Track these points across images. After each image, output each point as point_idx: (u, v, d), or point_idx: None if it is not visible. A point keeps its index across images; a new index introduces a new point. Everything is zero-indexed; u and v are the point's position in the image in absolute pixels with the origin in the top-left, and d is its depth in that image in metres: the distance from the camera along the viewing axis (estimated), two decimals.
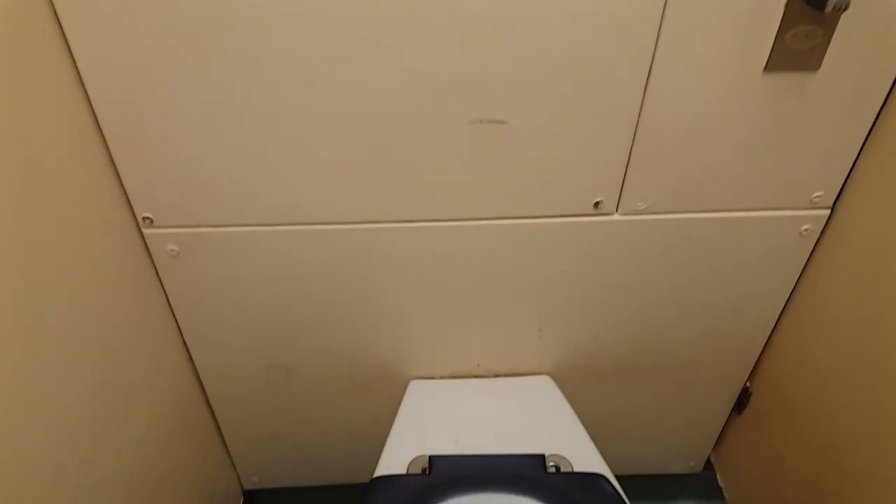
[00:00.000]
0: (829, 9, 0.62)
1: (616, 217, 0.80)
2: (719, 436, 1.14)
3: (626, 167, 0.75)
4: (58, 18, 0.61)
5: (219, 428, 1.04)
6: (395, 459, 0.82)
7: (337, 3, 0.62)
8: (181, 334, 0.90)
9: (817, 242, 0.85)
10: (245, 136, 0.70)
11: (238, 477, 1.14)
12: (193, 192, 0.74)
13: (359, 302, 0.87)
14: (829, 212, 0.82)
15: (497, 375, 0.97)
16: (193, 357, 0.93)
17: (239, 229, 0.78)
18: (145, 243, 0.79)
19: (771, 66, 0.69)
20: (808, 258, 0.87)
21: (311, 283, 0.84)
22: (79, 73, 0.65)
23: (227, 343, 0.91)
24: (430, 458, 0.81)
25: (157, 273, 0.82)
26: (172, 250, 0.80)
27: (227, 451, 1.09)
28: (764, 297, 0.92)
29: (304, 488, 1.17)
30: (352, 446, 1.08)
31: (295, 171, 0.73)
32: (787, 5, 0.65)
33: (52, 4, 0.61)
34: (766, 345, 0.98)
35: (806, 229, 0.84)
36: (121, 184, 0.73)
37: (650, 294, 0.90)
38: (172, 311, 0.87)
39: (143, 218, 0.77)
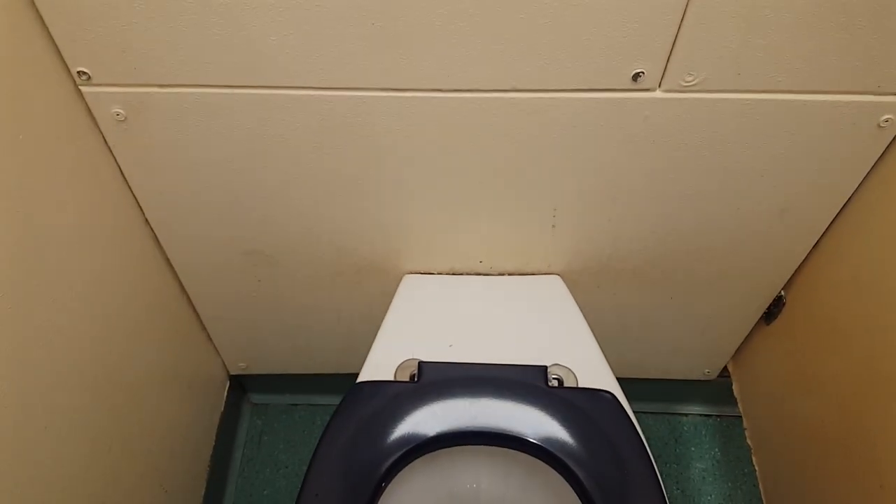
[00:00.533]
0: None
1: (658, 94, 0.65)
2: (741, 344, 1.05)
3: (678, 29, 0.59)
4: None
5: (198, 314, 0.96)
6: (381, 363, 0.73)
7: None
8: (142, 211, 0.78)
9: None
10: None
11: (223, 362, 1.08)
12: (135, 40, 0.60)
13: (343, 183, 0.74)
14: None
15: (501, 274, 0.86)
16: (160, 239, 0.82)
17: (196, 90, 0.64)
18: (87, 105, 0.66)
19: None
20: (882, 155, 0.73)
21: (287, 159, 0.71)
22: None
23: (194, 226, 0.80)
24: (420, 363, 0.72)
25: (105, 143, 0.70)
26: (118, 113, 0.66)
27: (209, 338, 1.02)
28: (819, 198, 0.78)
29: (292, 375, 1.11)
30: (341, 339, 1.00)
31: (264, 17, 0.58)
32: None
33: None
34: (810, 252, 0.86)
35: (886, 120, 0.68)
36: (46, 28, 0.59)
37: (684, 187, 0.76)
38: (129, 187, 0.75)
39: (79, 72, 0.63)
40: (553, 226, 0.80)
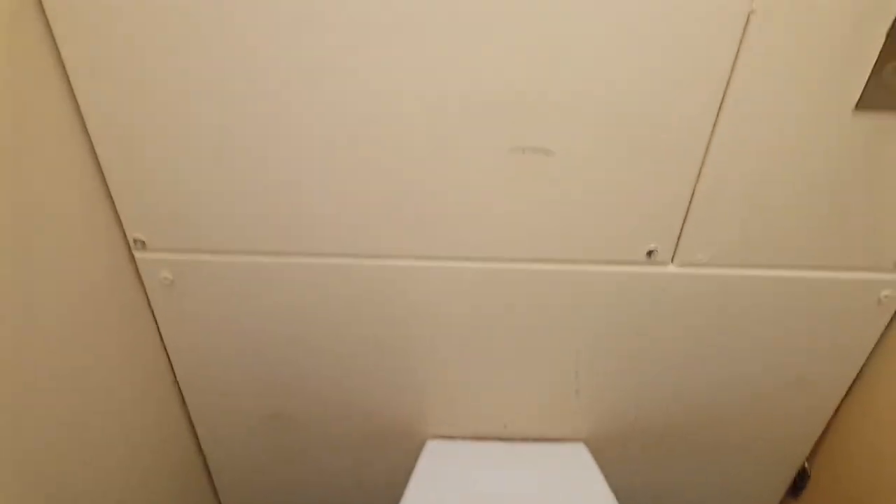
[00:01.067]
0: None
1: (671, 269, 0.70)
2: None
3: (687, 212, 0.66)
4: (52, 33, 0.54)
5: (210, 475, 0.94)
6: None
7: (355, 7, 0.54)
8: (173, 371, 0.80)
9: None
10: (248, 150, 0.62)
11: None
12: (190, 213, 0.66)
13: (373, 347, 0.77)
14: None
15: (525, 439, 0.85)
16: (185, 397, 0.83)
17: (239, 258, 0.69)
18: (137, 269, 0.70)
19: (864, 103, 0.59)
20: (886, 327, 0.76)
21: (320, 323, 0.75)
22: (70, 84, 0.58)
23: (222, 385, 0.81)
24: None
25: (148, 303, 0.73)
26: (166, 278, 0.71)
27: (218, 500, 0.98)
28: (832, 367, 0.80)
29: None
30: None
31: (305, 194, 0.64)
32: (888, 34, 0.56)
33: (48, 23, 0.53)
34: (830, 421, 0.86)
35: (886, 296, 0.73)
36: (111, 198, 0.65)
37: (702, 356, 0.79)
38: (164, 347, 0.78)
39: (135, 240, 0.68)
40: (577, 390, 0.81)
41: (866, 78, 0.58)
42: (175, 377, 0.80)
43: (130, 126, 0.60)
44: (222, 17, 0.54)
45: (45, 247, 0.57)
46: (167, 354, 0.78)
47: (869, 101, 0.59)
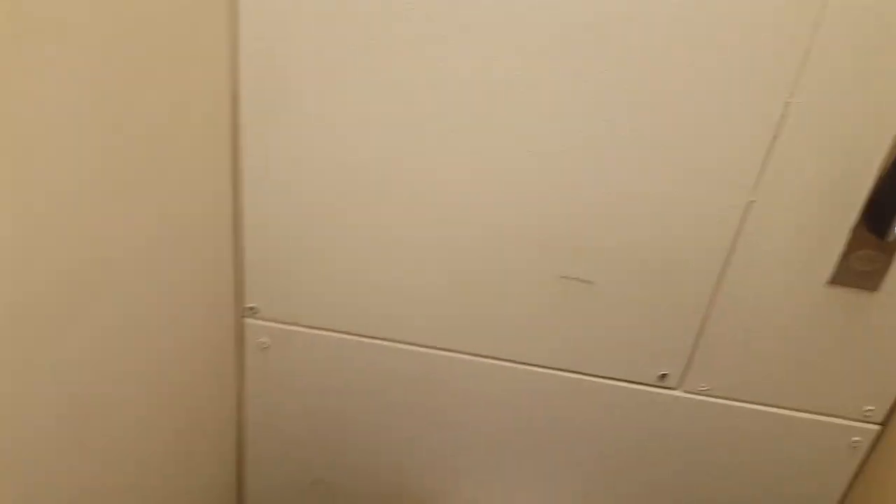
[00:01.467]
0: (891, 237, 0.71)
1: (678, 393, 0.85)
2: None
3: (694, 347, 0.82)
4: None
5: None
6: None
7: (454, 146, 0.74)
8: (238, 434, 0.92)
9: (867, 458, 0.88)
10: (365, 250, 0.79)
11: None
12: (302, 289, 0.82)
13: (413, 426, 0.90)
14: (880, 428, 0.85)
15: None
16: (247, 451, 0.94)
17: (328, 334, 0.85)
18: (242, 332, 0.86)
19: (834, 280, 0.77)
20: (857, 472, 0.89)
21: (380, 399, 0.88)
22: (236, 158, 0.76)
23: (280, 447, 0.93)
24: None
25: (241, 364, 0.88)
26: (263, 343, 0.86)
27: None
28: None
29: None
30: None
31: (394, 289, 0.81)
32: (853, 230, 0.75)
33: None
34: None
35: (855, 441, 0.87)
36: (236, 269, 0.82)
37: (687, 483, 0.91)
38: (237, 411, 0.91)
39: (248, 308, 0.84)
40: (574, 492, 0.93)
41: (837, 261, 0.77)
42: (238, 438, 0.92)
43: (279, 209, 0.78)
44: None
45: (171, 302, 0.70)
46: (238, 415, 0.91)
47: (838, 278, 0.77)
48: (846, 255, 0.76)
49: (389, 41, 0.68)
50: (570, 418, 0.88)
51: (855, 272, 0.77)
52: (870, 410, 0.85)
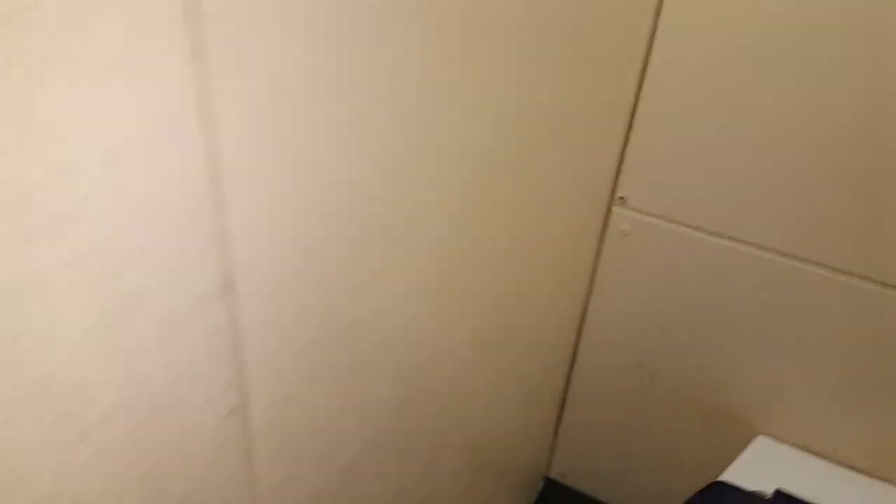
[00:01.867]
0: None
1: None
2: None
3: None
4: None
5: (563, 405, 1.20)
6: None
7: None
8: (581, 323, 1.08)
9: None
10: (747, 159, 0.87)
11: (549, 461, 1.27)
12: (670, 186, 0.94)
13: (745, 334, 0.96)
14: None
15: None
16: (584, 329, 1.10)
17: (687, 230, 0.95)
18: (607, 219, 1.00)
19: None
20: None
21: (719, 301, 0.96)
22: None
23: (618, 326, 1.07)
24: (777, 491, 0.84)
25: (600, 250, 1.03)
26: (624, 230, 1.00)
27: (556, 433, 1.23)
28: None
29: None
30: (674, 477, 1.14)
31: (765, 193, 0.87)
32: None
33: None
34: None
35: None
36: (619, 163, 0.96)
37: None
38: (589, 286, 1.06)
39: (619, 197, 0.98)
40: None
41: None
42: (580, 327, 1.08)
43: (671, 108, 0.91)
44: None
45: (561, 179, 0.87)
46: (587, 291, 1.07)
47: None
48: None
49: None
50: None
51: None
52: None
